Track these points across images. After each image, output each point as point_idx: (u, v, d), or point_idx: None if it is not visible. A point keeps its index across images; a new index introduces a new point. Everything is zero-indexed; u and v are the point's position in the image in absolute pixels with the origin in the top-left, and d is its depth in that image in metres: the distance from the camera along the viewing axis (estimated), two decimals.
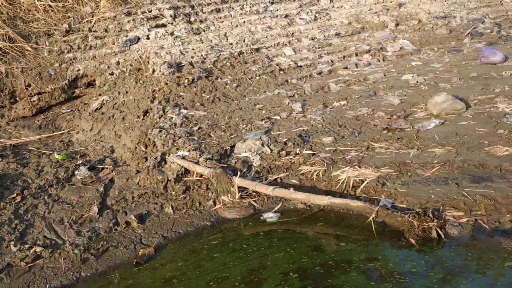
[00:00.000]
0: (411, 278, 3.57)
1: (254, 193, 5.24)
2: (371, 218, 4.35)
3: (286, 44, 10.08)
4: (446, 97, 6.67)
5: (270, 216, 4.88)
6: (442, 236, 4.07)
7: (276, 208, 5.02)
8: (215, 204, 5.16)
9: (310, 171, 5.41)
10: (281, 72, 8.99)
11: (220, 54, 9.04)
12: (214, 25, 10.26)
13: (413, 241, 4.04)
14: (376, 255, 3.98)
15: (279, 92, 8.10)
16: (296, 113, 7.07)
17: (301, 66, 9.28)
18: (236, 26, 10.40)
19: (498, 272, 3.56)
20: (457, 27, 11.72)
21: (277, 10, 11.48)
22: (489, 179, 4.74)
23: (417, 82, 8.27)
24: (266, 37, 10.23)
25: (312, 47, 10.16)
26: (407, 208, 4.49)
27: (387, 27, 11.58)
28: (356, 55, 10.05)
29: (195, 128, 6.52)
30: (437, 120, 6.39)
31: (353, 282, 3.65)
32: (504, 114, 6.34)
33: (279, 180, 5.44)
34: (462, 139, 5.74)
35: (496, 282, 3.44)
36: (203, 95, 7.75)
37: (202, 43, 9.44)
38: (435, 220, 4.16)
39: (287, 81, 8.66)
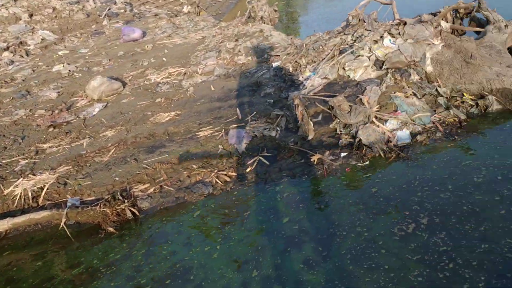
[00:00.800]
0: (118, 264, 3.54)
1: None
2: (62, 223, 4.04)
3: None
4: (102, 80, 6.72)
5: None
6: (137, 213, 4.16)
7: None
8: None
9: None
10: None
11: None
12: None
13: (111, 229, 3.99)
14: (78, 259, 3.73)
15: None
16: None
17: None
18: None
19: (192, 224, 3.91)
20: (93, 11, 11.86)
21: None
22: (161, 145, 5.10)
23: (70, 71, 8.03)
24: None
25: None
26: (97, 199, 4.37)
27: (21, 19, 10.67)
28: None
29: None
30: (100, 104, 6.39)
31: None
32: (157, 84, 6.88)
33: None
34: (128, 116, 5.95)
35: (191, 235, 3.76)
36: None
37: None
38: (126, 201, 4.21)
39: None
